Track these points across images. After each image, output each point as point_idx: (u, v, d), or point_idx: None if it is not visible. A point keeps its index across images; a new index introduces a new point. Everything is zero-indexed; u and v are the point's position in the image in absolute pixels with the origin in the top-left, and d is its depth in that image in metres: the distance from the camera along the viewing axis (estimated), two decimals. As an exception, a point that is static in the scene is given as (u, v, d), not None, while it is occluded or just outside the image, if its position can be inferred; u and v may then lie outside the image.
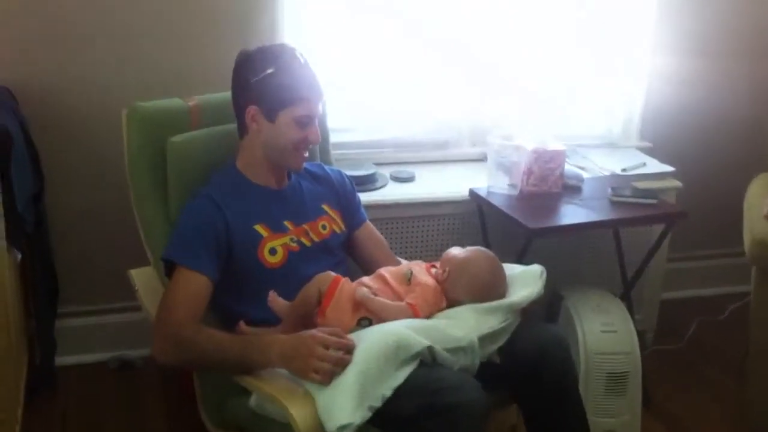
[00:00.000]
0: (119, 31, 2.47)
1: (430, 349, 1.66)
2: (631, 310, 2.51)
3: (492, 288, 1.89)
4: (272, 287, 1.87)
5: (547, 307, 2.55)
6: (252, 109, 1.90)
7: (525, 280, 1.92)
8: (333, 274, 1.84)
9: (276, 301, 1.83)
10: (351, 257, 2.12)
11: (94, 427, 2.45)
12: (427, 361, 1.68)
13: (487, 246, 2.28)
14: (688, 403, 2.67)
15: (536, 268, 1.95)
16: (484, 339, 1.77)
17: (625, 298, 2.59)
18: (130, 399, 2.58)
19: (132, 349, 2.73)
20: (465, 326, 1.76)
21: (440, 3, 2.71)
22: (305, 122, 1.90)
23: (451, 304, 1.88)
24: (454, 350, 1.71)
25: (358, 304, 1.80)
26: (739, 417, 2.58)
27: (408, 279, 1.87)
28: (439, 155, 2.89)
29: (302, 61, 1.90)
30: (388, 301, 1.82)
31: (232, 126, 1.99)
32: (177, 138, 1.98)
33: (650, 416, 2.54)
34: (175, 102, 2.07)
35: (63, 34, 2.43)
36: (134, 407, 2.54)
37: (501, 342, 1.82)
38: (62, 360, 2.64)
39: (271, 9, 2.53)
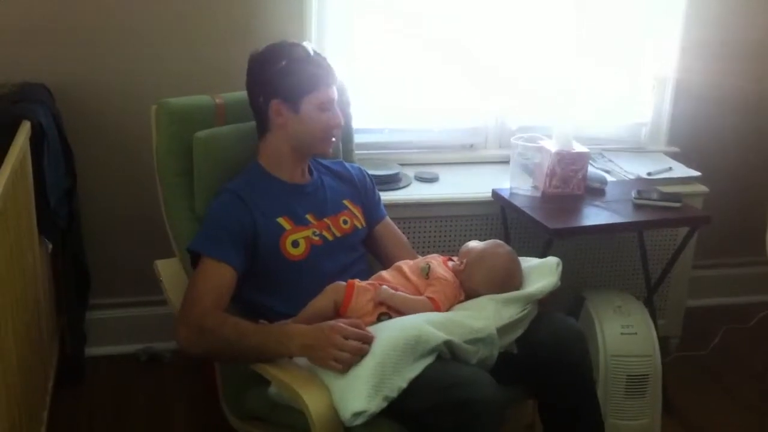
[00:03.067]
0: (151, 31, 2.54)
1: (447, 343, 1.68)
2: (653, 314, 2.49)
3: (509, 279, 1.91)
4: (295, 280, 1.90)
5: (568, 309, 2.55)
6: (275, 104, 1.94)
7: (541, 272, 1.94)
8: (343, 283, 1.86)
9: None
10: (370, 253, 2.14)
11: (121, 417, 2.50)
12: (445, 355, 1.70)
13: (509, 247, 2.29)
14: (711, 410, 2.64)
15: (552, 260, 1.96)
16: (503, 329, 1.79)
17: (648, 302, 2.58)
18: (157, 391, 2.63)
19: (161, 341, 2.77)
20: (484, 317, 1.78)
21: (464, 6, 2.73)
22: (327, 107, 1.95)
23: (469, 295, 1.90)
24: (474, 341, 1.73)
25: (378, 303, 1.82)
26: (761, 426, 2.56)
27: (426, 273, 1.90)
28: (464, 157, 2.89)
29: (311, 51, 1.96)
30: (410, 296, 1.84)
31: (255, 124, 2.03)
32: (201, 133, 2.02)
33: (671, 422, 2.52)
34: (202, 99, 2.12)
35: (96, 33, 2.50)
36: (160, 399, 2.59)
37: (519, 332, 1.83)
38: (92, 351, 2.70)
39: (299, 12, 2.57)
